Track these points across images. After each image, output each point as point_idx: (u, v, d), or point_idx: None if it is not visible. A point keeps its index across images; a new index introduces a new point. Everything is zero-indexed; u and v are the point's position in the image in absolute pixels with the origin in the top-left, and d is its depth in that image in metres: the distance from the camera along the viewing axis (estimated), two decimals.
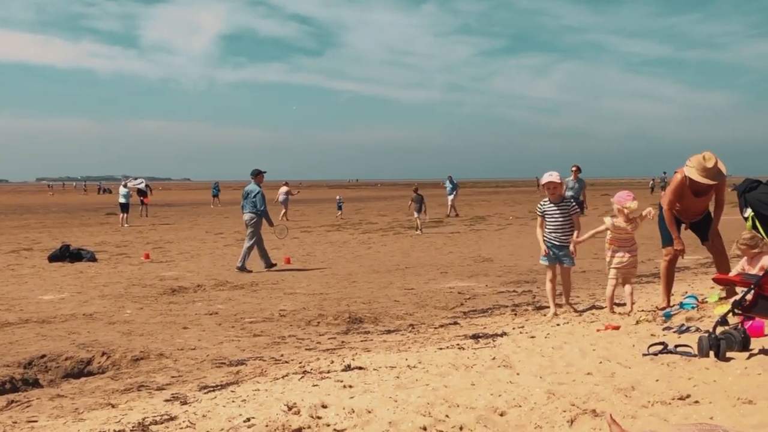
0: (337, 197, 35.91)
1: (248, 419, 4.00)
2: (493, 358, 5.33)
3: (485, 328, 7.39)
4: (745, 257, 6.28)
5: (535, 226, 8.03)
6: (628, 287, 7.30)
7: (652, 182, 60.09)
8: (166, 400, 5.02)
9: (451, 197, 30.57)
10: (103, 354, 6.88)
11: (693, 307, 6.57)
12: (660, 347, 4.97)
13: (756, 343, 4.79)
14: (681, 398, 3.90)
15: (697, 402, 3.85)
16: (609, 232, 7.30)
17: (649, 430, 3.32)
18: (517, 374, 4.77)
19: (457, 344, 6.27)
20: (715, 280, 5.94)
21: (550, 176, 7.65)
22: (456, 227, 24.21)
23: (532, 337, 6.30)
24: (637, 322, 6.42)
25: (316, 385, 4.83)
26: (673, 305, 6.87)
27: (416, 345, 6.65)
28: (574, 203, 8.04)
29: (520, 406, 3.97)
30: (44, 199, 65.86)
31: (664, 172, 43.23)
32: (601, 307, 7.72)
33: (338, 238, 20.80)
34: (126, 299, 10.20)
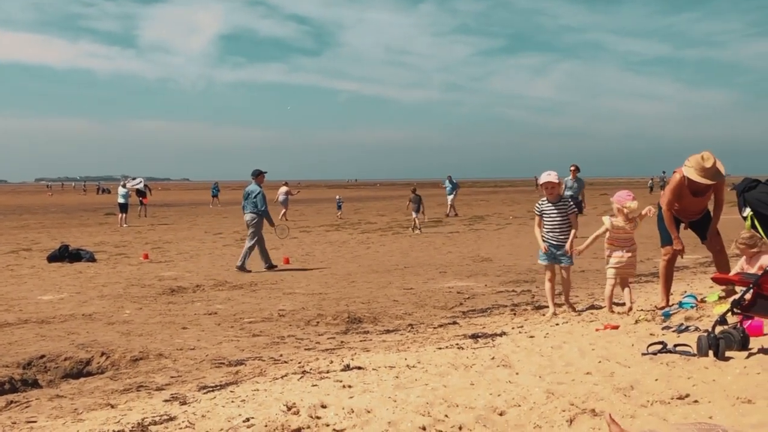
0: (337, 197, 35.93)
1: (247, 419, 4.00)
2: (493, 358, 5.33)
3: (484, 327, 7.39)
4: (744, 256, 6.29)
5: (533, 225, 8.05)
6: (626, 287, 7.31)
7: (651, 181, 60.00)
8: (166, 401, 5.02)
9: (450, 197, 30.61)
10: (103, 354, 6.87)
11: (692, 307, 6.57)
12: (659, 347, 4.97)
13: (755, 343, 4.80)
14: (680, 397, 3.90)
15: (696, 401, 3.85)
16: (608, 231, 7.31)
17: (648, 430, 3.32)
18: (517, 374, 4.78)
19: (457, 344, 6.27)
20: (714, 279, 5.94)
21: (548, 176, 7.66)
22: (455, 227, 24.22)
23: (531, 336, 6.30)
24: (636, 322, 6.42)
25: (316, 385, 4.82)
26: (672, 305, 6.87)
27: (415, 345, 6.65)
28: (571, 203, 8.05)
29: (519, 406, 3.97)
30: (43, 199, 65.85)
31: (663, 172, 43.22)
32: (600, 307, 7.72)
33: (337, 238, 20.80)
34: (125, 299, 10.19)
